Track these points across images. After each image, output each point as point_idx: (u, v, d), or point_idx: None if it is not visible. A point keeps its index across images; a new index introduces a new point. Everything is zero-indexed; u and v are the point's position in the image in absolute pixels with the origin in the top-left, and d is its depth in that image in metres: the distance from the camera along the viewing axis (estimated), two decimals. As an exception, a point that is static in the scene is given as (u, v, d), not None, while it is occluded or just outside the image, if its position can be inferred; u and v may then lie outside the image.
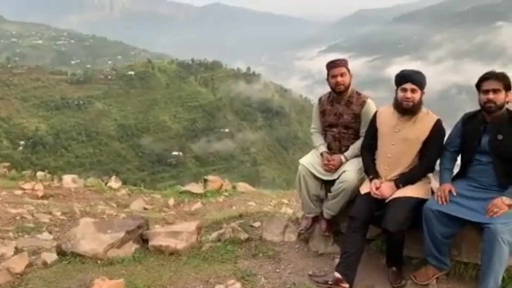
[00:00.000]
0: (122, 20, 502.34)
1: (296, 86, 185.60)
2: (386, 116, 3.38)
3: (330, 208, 3.64)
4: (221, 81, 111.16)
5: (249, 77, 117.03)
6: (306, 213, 3.89)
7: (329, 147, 3.77)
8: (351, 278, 3.15)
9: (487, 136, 3.02)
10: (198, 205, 7.14)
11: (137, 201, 7.13)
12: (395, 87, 3.32)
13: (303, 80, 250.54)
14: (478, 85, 3.02)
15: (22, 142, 76.46)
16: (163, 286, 3.24)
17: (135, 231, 3.91)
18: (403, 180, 3.23)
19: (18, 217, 5.32)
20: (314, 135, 3.94)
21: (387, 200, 3.18)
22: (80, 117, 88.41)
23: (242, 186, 8.72)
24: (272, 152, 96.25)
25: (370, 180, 3.33)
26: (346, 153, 3.64)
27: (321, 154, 3.74)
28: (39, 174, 8.22)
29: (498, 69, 3.10)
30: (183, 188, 8.20)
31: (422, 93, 3.23)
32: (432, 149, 3.25)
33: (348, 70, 3.63)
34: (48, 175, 8.22)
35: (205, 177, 8.61)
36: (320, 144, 3.82)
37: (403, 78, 3.25)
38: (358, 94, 3.69)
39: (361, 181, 3.48)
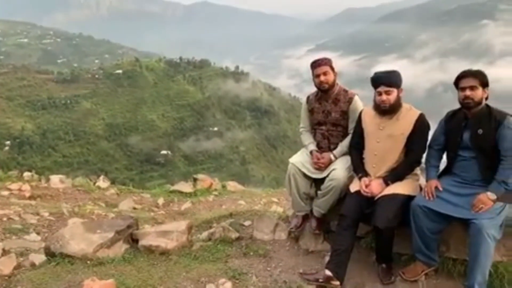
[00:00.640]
0: (109, 19, 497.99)
1: (284, 84, 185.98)
2: (370, 116, 3.42)
3: (320, 206, 3.67)
4: (209, 80, 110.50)
5: (238, 75, 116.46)
6: (296, 212, 3.91)
7: (318, 145, 3.80)
8: (341, 276, 3.18)
9: (469, 131, 3.08)
10: (187, 204, 7.13)
11: (126, 201, 7.10)
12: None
13: (292, 79, 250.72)
14: (456, 83, 3.08)
15: (8, 142, 75.10)
16: (153, 286, 3.22)
17: (124, 231, 3.88)
18: (391, 177, 3.26)
19: (5, 218, 5.25)
20: (303, 134, 3.96)
21: (376, 198, 3.21)
22: (67, 116, 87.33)
23: (232, 185, 8.72)
24: (261, 151, 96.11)
25: (359, 179, 3.36)
26: (335, 151, 3.67)
27: (311, 152, 3.76)
28: (26, 174, 8.07)
29: (483, 67, 3.15)
30: (173, 188, 8.18)
31: (399, 91, 3.27)
32: (417, 142, 3.28)
33: (332, 69, 3.65)
34: (35, 175, 8.08)
35: (195, 176, 8.60)
36: (309, 142, 3.85)
37: (376, 81, 3.29)
38: (345, 91, 3.72)
39: (350, 179, 3.51)
